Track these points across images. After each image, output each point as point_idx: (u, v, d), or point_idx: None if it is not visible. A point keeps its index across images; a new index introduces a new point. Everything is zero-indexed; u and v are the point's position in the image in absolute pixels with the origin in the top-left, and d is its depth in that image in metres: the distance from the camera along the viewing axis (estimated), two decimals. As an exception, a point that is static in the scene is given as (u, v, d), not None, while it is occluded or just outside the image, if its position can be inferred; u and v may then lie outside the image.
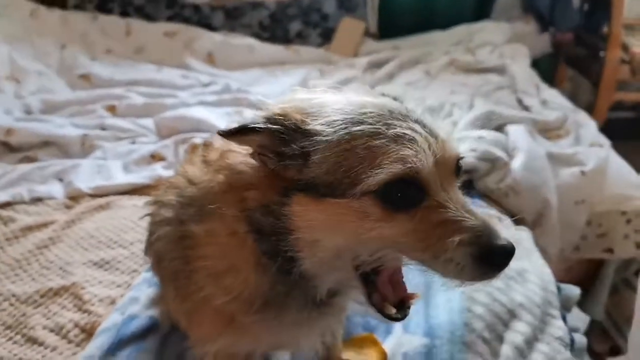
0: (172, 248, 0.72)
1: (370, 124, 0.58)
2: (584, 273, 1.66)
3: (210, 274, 0.67)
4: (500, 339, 0.95)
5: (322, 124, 0.60)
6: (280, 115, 0.61)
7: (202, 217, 0.67)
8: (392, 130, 0.58)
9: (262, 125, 0.59)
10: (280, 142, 0.60)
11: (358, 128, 0.58)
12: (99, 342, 0.94)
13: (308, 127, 0.60)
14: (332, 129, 0.59)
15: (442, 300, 1.01)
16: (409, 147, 0.57)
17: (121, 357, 0.91)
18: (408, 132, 0.58)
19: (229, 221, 0.65)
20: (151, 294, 1.05)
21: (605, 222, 1.54)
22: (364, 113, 0.60)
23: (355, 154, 0.58)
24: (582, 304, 1.68)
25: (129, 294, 1.07)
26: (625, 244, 1.55)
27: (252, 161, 0.64)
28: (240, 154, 0.66)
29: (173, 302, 0.80)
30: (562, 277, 1.59)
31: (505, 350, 0.94)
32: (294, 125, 0.60)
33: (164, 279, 0.84)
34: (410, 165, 0.56)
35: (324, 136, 0.59)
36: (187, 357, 0.92)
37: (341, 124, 0.59)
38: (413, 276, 1.05)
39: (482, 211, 0.60)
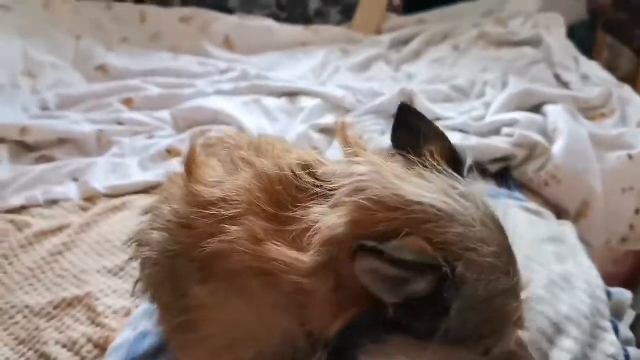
0: (166, 294, 0.63)
1: (502, 272, 0.53)
2: (631, 266, 1.53)
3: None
4: (546, 358, 0.85)
5: (468, 270, 0.50)
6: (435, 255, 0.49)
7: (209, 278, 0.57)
8: (512, 279, 0.55)
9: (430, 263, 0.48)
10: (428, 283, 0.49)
11: (498, 281, 0.53)
12: (112, 361, 0.89)
13: (459, 274, 0.50)
14: (476, 276, 0.51)
15: None
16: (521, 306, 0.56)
17: (132, 378, 0.86)
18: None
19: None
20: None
21: (654, 212, 1.41)
22: (496, 255, 0.53)
23: (492, 309, 0.53)
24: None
25: (142, 307, 1.01)
26: (677, 233, 1.42)
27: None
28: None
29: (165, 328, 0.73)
30: (607, 271, 1.48)
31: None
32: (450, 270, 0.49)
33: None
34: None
35: (470, 286, 0.51)
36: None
37: (482, 272, 0.51)
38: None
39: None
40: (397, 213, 0.50)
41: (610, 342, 0.90)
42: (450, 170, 0.56)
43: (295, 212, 0.54)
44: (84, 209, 1.44)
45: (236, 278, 0.54)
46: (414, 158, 0.57)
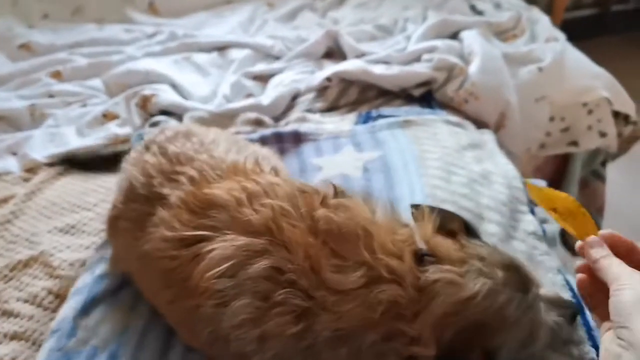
0: None
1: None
2: (552, 170, 1.67)
3: None
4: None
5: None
6: None
7: None
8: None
9: None
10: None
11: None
12: (72, 304, 0.93)
13: None
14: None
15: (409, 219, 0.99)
16: None
17: (94, 315, 0.90)
18: None
19: None
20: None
21: (567, 116, 1.55)
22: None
23: None
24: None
25: (98, 254, 1.05)
26: (589, 135, 1.56)
27: None
28: None
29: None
30: (532, 176, 1.61)
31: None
32: None
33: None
34: None
35: None
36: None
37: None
38: (378, 188, 1.07)
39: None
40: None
41: (528, 221, 1.01)
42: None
43: None
44: (26, 180, 1.44)
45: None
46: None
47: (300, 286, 0.63)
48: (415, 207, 0.75)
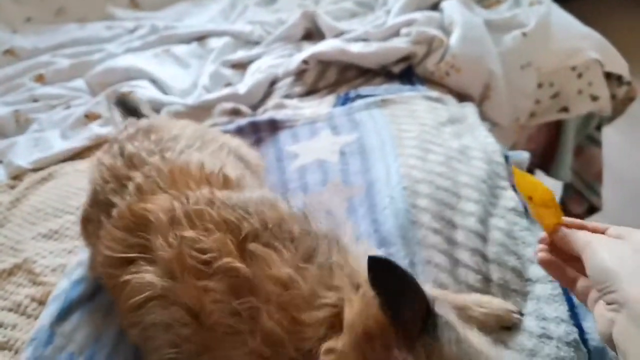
0: None
1: None
2: (545, 139, 1.63)
3: None
4: (453, 225, 0.90)
5: None
6: None
7: None
8: None
9: None
10: None
11: None
12: (50, 311, 0.93)
13: None
14: None
15: (386, 202, 0.96)
16: None
17: (72, 321, 0.90)
18: None
19: None
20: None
21: (556, 81, 1.49)
22: None
23: None
24: (549, 170, 1.67)
25: (76, 259, 1.05)
26: (580, 99, 1.51)
27: None
28: None
29: None
30: (524, 148, 1.57)
31: (461, 235, 0.88)
32: None
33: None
34: None
35: None
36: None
37: None
38: (354, 172, 1.04)
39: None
40: None
41: (509, 198, 0.97)
42: None
43: None
44: (12, 187, 1.45)
45: None
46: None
47: (187, 343, 0.61)
48: (376, 261, 0.55)
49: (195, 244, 0.65)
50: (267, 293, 0.60)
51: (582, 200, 1.79)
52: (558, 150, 1.60)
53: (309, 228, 0.67)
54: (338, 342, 0.53)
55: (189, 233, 0.66)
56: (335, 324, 0.56)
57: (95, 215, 0.80)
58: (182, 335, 0.61)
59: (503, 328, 0.75)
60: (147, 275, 0.64)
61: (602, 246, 0.55)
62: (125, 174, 0.80)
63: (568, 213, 1.90)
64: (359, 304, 0.55)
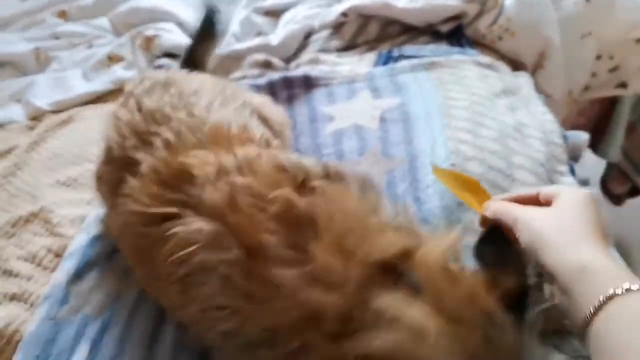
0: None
1: None
2: (597, 114, 1.52)
3: None
4: None
5: None
6: None
7: None
8: None
9: None
10: None
11: None
12: (65, 267, 0.88)
13: None
14: None
15: (430, 179, 0.87)
16: None
17: (88, 280, 0.85)
18: None
19: None
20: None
21: (617, 54, 1.36)
22: None
23: None
24: (597, 147, 1.56)
25: (95, 212, 0.99)
26: (641, 75, 1.38)
27: None
28: None
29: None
30: (573, 122, 1.46)
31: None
32: None
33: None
34: None
35: None
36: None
37: None
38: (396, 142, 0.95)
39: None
40: None
41: (568, 185, 0.89)
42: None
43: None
44: (32, 128, 1.39)
45: None
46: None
47: (233, 283, 0.55)
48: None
49: (249, 189, 0.60)
50: (330, 228, 0.55)
51: (625, 180, 1.70)
52: (609, 127, 1.49)
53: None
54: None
55: (241, 179, 0.61)
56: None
57: (111, 174, 0.74)
58: (234, 275, 0.56)
59: (555, 332, 0.69)
60: (195, 224, 0.59)
61: (528, 220, 0.54)
62: (147, 129, 0.73)
63: (608, 193, 1.81)
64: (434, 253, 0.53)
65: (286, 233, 0.55)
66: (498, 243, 0.57)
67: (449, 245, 0.55)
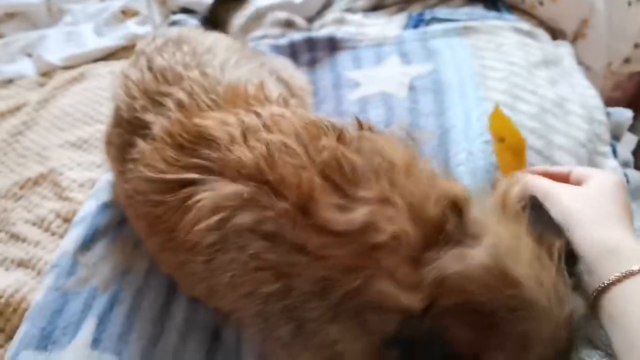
0: None
1: None
2: (635, 87, 1.42)
3: None
4: None
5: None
6: None
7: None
8: None
9: None
10: None
11: None
12: (74, 235, 0.85)
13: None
14: None
15: (462, 157, 0.80)
16: None
17: (97, 249, 0.81)
18: None
19: None
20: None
21: (664, 23, 1.27)
22: None
23: None
24: (632, 124, 1.47)
25: (104, 177, 0.95)
26: (688, 47, 1.28)
27: None
28: None
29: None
30: (608, 96, 1.37)
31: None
32: None
33: None
34: None
35: None
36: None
37: None
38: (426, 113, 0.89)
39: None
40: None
41: (611, 169, 0.83)
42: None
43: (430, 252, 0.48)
44: (42, 85, 1.34)
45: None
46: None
47: (280, 239, 0.50)
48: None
49: (285, 145, 0.55)
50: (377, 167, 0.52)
51: (657, 159, 1.62)
52: (648, 103, 1.39)
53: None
54: None
55: (274, 136, 0.56)
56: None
57: (120, 137, 0.69)
58: (283, 230, 0.51)
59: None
60: (227, 188, 0.54)
61: (559, 196, 0.55)
62: (157, 89, 0.68)
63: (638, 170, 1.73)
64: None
65: (338, 181, 0.51)
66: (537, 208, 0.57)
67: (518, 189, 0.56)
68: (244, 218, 0.52)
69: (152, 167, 0.60)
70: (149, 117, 0.65)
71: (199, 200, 0.54)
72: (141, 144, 0.63)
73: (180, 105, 0.64)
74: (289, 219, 0.50)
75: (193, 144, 0.59)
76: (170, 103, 0.65)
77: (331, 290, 0.49)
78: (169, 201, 0.58)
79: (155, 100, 0.67)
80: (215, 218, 0.53)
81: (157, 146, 0.61)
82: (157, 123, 0.63)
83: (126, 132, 0.68)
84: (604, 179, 0.56)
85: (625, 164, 0.90)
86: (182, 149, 0.59)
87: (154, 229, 0.63)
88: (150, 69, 0.70)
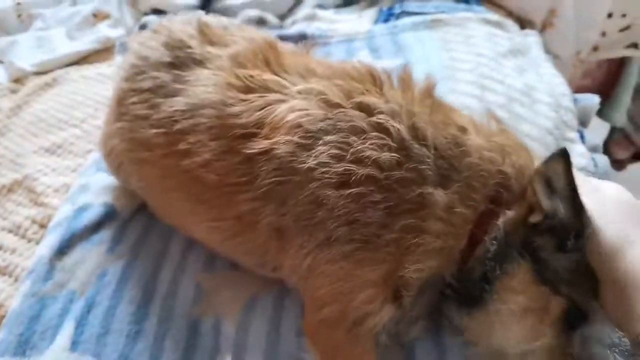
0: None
1: None
2: (604, 76, 1.45)
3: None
4: None
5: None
6: None
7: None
8: None
9: None
10: None
11: None
12: (50, 241, 0.84)
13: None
14: None
15: None
16: None
17: (73, 255, 0.80)
18: None
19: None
20: (103, 180, 0.92)
21: (630, 11, 1.29)
22: None
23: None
24: (602, 110, 1.51)
25: (78, 181, 0.94)
26: (654, 34, 1.32)
27: None
28: None
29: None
30: (577, 84, 1.40)
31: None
32: None
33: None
34: None
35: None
36: (148, 241, 0.82)
37: None
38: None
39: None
40: None
41: (579, 154, 0.85)
42: None
43: None
44: (14, 91, 1.32)
45: None
46: None
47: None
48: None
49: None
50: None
51: (628, 145, 1.65)
52: (616, 90, 1.43)
53: None
54: None
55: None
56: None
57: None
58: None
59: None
60: (315, 113, 0.60)
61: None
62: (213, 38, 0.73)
63: (611, 157, 1.77)
64: None
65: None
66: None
67: None
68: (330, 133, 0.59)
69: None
70: (212, 49, 0.71)
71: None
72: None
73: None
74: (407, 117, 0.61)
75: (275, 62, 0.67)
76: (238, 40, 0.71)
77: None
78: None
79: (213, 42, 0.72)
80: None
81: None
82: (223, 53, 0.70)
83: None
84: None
85: (593, 149, 0.92)
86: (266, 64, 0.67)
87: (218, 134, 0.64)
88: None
